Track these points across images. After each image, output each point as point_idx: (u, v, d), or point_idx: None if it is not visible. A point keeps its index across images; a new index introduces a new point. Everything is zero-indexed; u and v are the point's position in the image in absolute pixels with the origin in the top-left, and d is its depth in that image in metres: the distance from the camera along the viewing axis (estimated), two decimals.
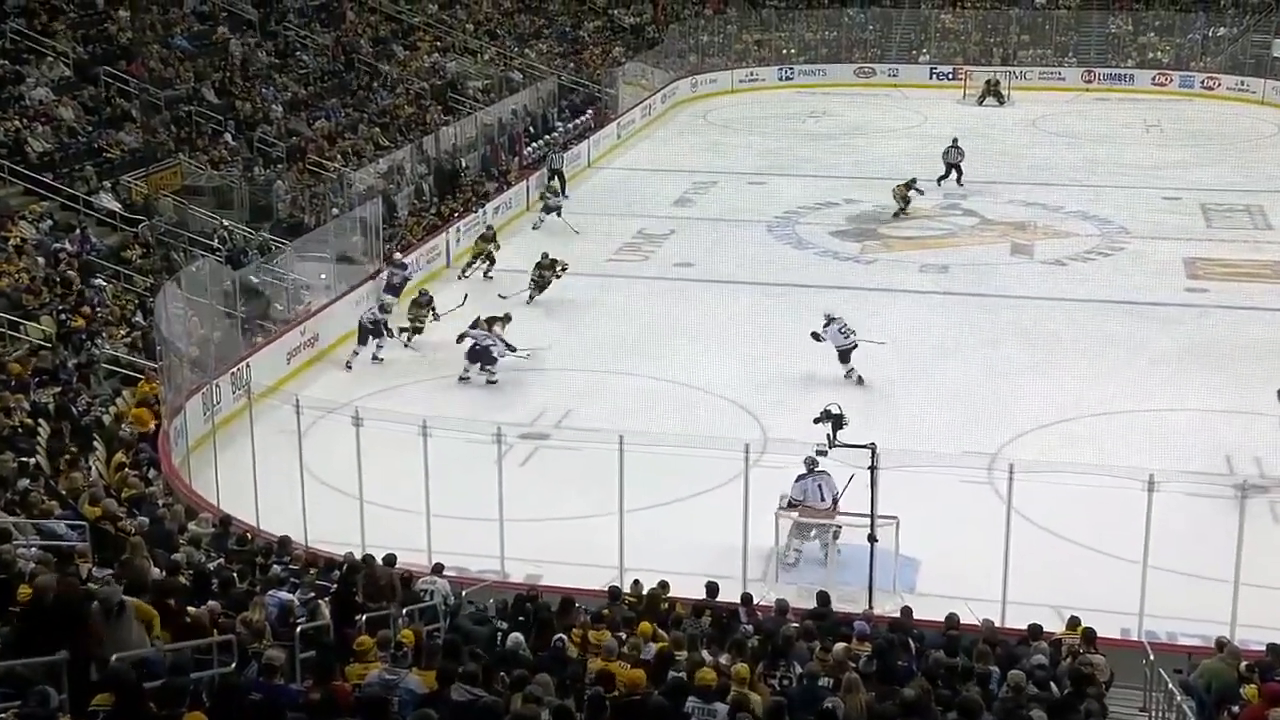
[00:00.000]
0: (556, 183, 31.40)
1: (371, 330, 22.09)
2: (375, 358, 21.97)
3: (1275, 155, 36.74)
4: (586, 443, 16.55)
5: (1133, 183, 33.51)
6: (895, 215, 29.83)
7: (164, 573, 11.35)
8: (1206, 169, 34.92)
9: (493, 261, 26.61)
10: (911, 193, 30.48)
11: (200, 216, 25.68)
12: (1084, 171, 34.90)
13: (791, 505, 15.47)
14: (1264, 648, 11.50)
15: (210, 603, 10.59)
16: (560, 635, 10.66)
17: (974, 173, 34.34)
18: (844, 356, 20.62)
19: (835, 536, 15.11)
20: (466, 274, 26.53)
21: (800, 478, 15.81)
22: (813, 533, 15.42)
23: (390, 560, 13.05)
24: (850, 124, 41.73)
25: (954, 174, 33.33)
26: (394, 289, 23.78)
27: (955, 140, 34.07)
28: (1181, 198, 32.13)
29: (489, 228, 27.56)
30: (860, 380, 20.44)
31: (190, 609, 10.25)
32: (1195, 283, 25.96)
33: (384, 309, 22.60)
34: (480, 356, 20.96)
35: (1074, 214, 30.77)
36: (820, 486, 15.53)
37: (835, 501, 15.31)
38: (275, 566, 12.39)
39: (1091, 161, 36.03)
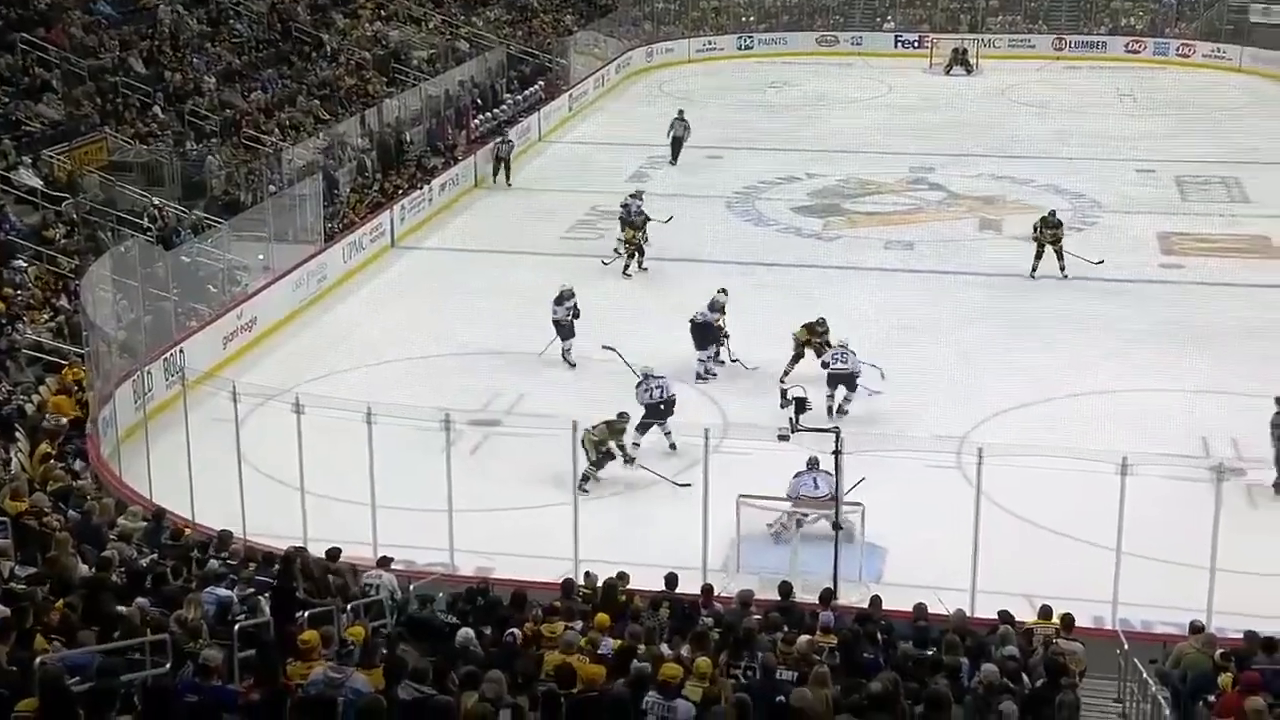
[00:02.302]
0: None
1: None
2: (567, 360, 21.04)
3: (1252, 125, 37.14)
4: (539, 429, 16.55)
5: (1105, 155, 33.79)
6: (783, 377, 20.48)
7: (93, 570, 11.25)
8: (1181, 140, 35.26)
9: (642, 252, 25.54)
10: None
11: (128, 194, 25.38)
12: (1055, 143, 35.16)
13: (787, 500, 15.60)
14: (1240, 635, 11.64)
15: (140, 600, 10.51)
16: (512, 630, 10.65)
17: (941, 145, 34.55)
18: (845, 382, 19.02)
19: (835, 527, 14.46)
20: (628, 272, 25.42)
21: (798, 474, 15.89)
22: (812, 517, 15.43)
23: (334, 554, 13.00)
24: (812, 94, 41.82)
25: (676, 151, 32.73)
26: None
27: (681, 112, 33.47)
28: (1155, 170, 32.43)
29: (638, 212, 25.88)
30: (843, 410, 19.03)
31: (121, 608, 10.17)
32: (1170, 259, 26.21)
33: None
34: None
35: (1044, 188, 30.98)
36: (816, 480, 15.62)
37: (833, 498, 15.31)
38: (213, 561, 12.31)
39: (1062, 133, 36.29)
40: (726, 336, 20.53)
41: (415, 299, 24.85)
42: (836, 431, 14.39)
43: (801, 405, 17.12)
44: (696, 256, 25.37)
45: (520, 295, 24.35)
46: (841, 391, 19.01)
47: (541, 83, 39.63)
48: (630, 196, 26.94)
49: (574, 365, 20.60)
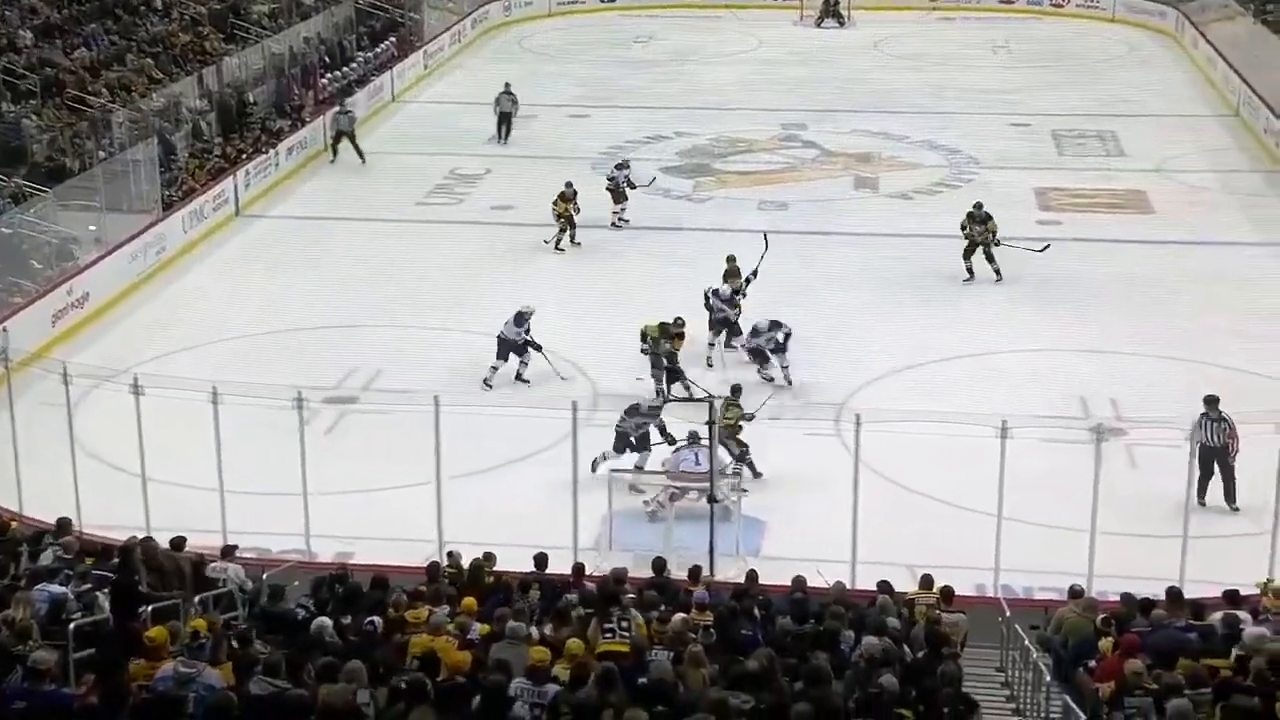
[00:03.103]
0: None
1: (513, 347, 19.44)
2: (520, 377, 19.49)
3: (1127, 76, 38.06)
4: (399, 406, 16.45)
5: (980, 109, 34.41)
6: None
7: None
8: (1056, 92, 36.00)
9: (573, 225, 24.78)
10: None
11: None
12: (929, 98, 35.67)
13: (669, 474, 15.70)
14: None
15: None
16: (372, 618, 10.58)
17: (813, 101, 34.84)
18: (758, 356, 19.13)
19: (710, 499, 14.50)
20: (561, 246, 24.72)
21: (678, 449, 15.95)
22: (692, 494, 15.48)
23: (178, 543, 12.79)
24: (679, 49, 41.87)
25: (505, 127, 31.57)
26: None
27: (508, 85, 32.09)
28: (1031, 124, 33.11)
29: (568, 184, 24.98)
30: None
31: None
32: (1047, 214, 26.81)
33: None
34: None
35: (920, 144, 31.47)
36: (697, 455, 15.72)
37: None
38: (47, 554, 12.01)
39: (937, 87, 36.84)
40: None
41: (263, 271, 24.44)
42: (710, 401, 14.52)
43: (674, 374, 17.23)
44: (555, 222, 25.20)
45: (375, 265, 24.14)
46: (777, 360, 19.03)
47: (393, 39, 39.12)
48: (616, 168, 26.58)
49: (527, 383, 19.26)
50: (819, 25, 44.80)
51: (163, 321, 22.07)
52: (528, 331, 19.17)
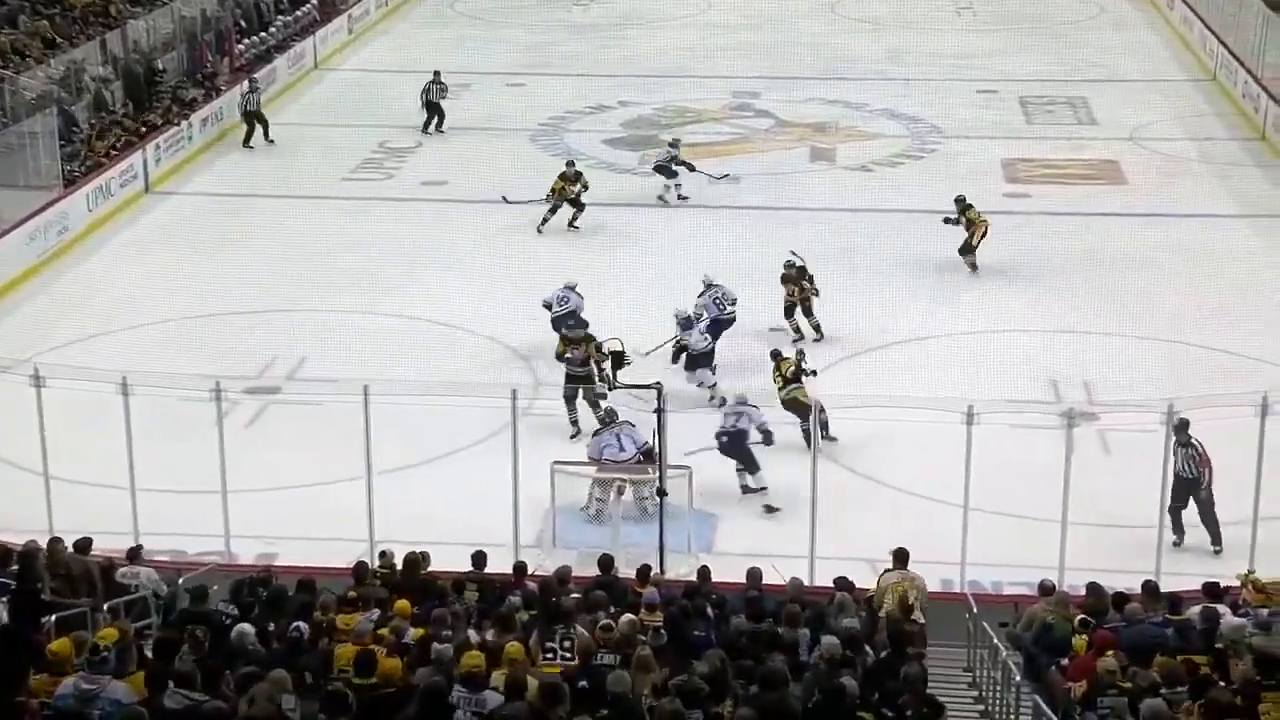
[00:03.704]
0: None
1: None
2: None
3: (1098, 39, 38.35)
4: (325, 395, 16.38)
5: (943, 74, 34.55)
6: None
7: None
8: (1024, 57, 36.25)
9: (581, 208, 24.59)
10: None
11: None
12: (889, 63, 35.83)
13: (593, 463, 15.68)
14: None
15: None
16: (298, 623, 10.52)
17: (766, 68, 34.88)
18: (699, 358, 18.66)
19: (660, 493, 14.65)
20: (541, 230, 24.45)
21: (597, 432, 15.95)
22: (620, 488, 15.50)
23: (83, 545, 12.68)
24: (622, 13, 41.82)
25: (436, 118, 30.62)
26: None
27: (437, 74, 31.02)
28: (997, 90, 33.33)
29: (570, 163, 25.18)
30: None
31: None
32: (1015, 187, 27.01)
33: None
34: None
35: (880, 112, 31.58)
36: (619, 438, 15.70)
37: (647, 453, 15.38)
38: None
39: (897, 51, 36.98)
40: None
41: (176, 251, 24.24)
42: (659, 388, 14.52)
43: (619, 359, 17.23)
44: (496, 198, 25.11)
45: (298, 246, 23.96)
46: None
47: (315, 1, 38.83)
48: (669, 145, 26.59)
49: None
50: None
51: (67, 307, 21.83)
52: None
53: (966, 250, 22.50)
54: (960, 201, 22.63)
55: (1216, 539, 15.06)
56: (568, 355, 17.92)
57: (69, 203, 24.49)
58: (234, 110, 30.65)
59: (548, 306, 19.60)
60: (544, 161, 27.99)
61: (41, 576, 11.72)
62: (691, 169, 26.06)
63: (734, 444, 16.21)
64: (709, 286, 19.59)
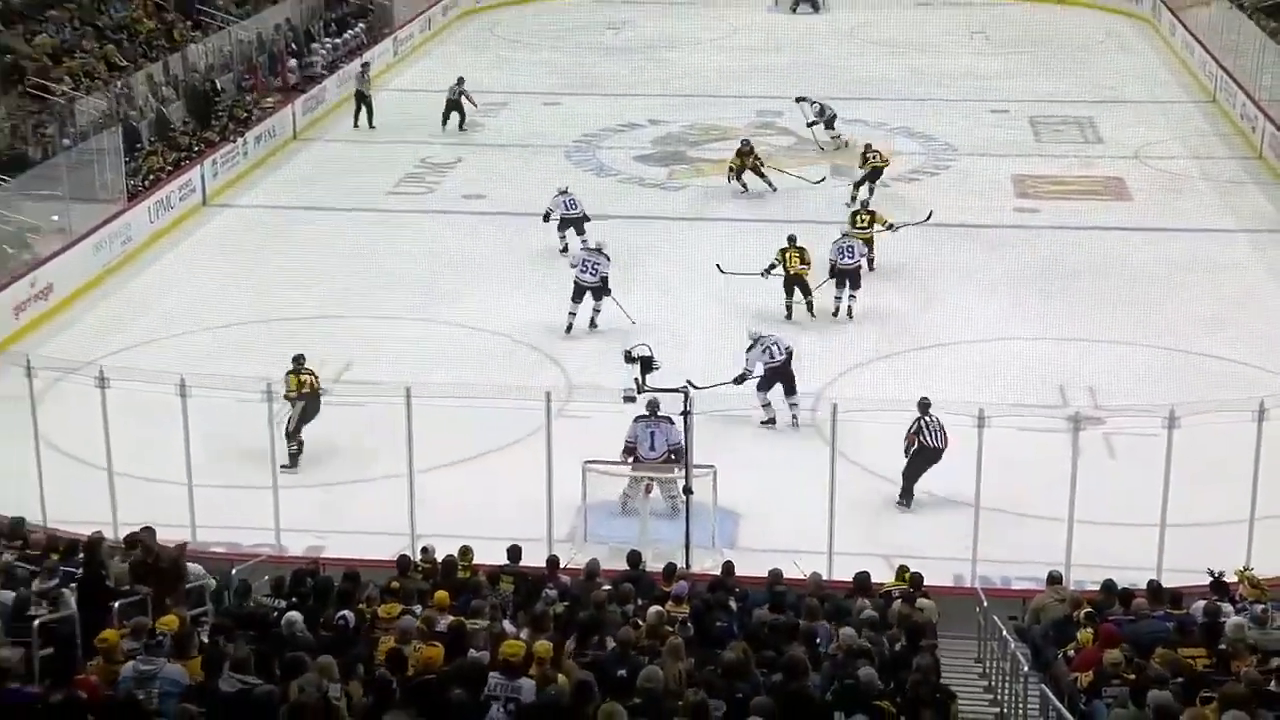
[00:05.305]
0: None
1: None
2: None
3: (1105, 62, 38.20)
4: (370, 397, 16.40)
5: (958, 95, 34.47)
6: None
7: None
8: (1034, 79, 36.08)
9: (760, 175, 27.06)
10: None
11: None
12: (907, 85, 35.71)
13: (627, 450, 15.63)
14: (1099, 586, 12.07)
15: None
16: (344, 613, 10.56)
17: (790, 88, 34.77)
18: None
19: (686, 491, 14.61)
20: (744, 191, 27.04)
21: (638, 418, 15.86)
22: (649, 486, 15.46)
23: (133, 540, 12.65)
24: (653, 36, 41.84)
25: (457, 116, 31.16)
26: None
27: (461, 80, 31.78)
28: (1009, 110, 33.18)
29: (744, 142, 27.60)
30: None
31: None
32: (1025, 202, 26.90)
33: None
34: None
35: (897, 131, 31.50)
36: (653, 434, 15.62)
37: (676, 454, 15.35)
38: (5, 554, 11.93)
39: (914, 73, 36.89)
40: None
41: (231, 261, 24.35)
42: (686, 391, 14.53)
43: (648, 364, 17.19)
44: (535, 210, 25.14)
45: (345, 255, 24.06)
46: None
47: (362, 25, 38.98)
48: (818, 113, 29.68)
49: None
50: (794, 11, 44.83)
51: (129, 313, 21.94)
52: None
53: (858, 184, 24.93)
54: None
55: None
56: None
57: (132, 214, 24.60)
58: (285, 127, 30.82)
59: (546, 218, 22.67)
60: (577, 177, 28.01)
61: (105, 565, 11.74)
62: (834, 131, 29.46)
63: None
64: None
